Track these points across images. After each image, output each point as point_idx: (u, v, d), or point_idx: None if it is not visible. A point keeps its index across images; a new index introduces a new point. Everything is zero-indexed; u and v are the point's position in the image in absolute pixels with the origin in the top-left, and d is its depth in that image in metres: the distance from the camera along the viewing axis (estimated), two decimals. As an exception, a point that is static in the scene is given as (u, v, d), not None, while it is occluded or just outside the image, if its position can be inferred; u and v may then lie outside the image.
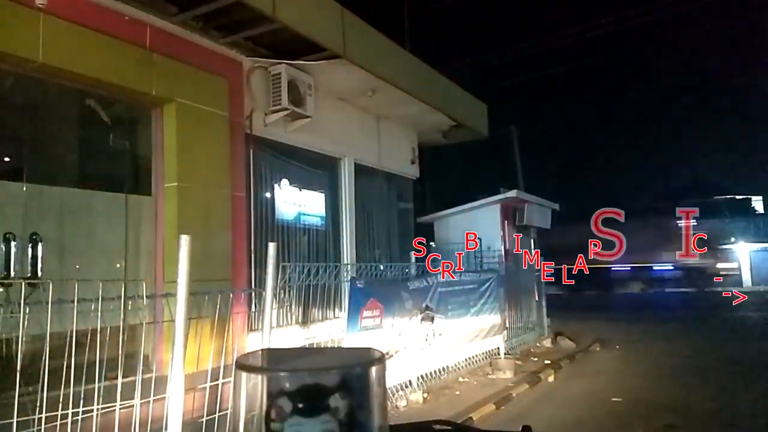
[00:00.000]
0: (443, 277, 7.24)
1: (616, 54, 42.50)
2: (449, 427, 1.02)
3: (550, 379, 7.86)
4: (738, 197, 35.37)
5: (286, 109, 6.43)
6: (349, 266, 7.35)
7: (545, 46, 27.73)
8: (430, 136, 10.39)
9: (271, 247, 3.96)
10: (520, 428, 1.07)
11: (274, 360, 0.78)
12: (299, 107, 6.55)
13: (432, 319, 6.90)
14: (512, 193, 11.40)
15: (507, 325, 9.14)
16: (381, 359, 0.70)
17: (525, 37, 45.01)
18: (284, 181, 7.13)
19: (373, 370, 0.68)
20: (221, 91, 5.75)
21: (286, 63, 6.38)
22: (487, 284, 8.36)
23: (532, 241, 11.97)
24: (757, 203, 36.26)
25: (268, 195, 6.88)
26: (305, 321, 6.58)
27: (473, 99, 10.24)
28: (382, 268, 7.81)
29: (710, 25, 37.44)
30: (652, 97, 59.62)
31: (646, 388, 7.31)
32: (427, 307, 6.84)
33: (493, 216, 11.14)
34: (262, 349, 0.80)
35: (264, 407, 0.65)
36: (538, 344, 10.49)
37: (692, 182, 40.47)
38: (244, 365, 0.68)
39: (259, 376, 0.66)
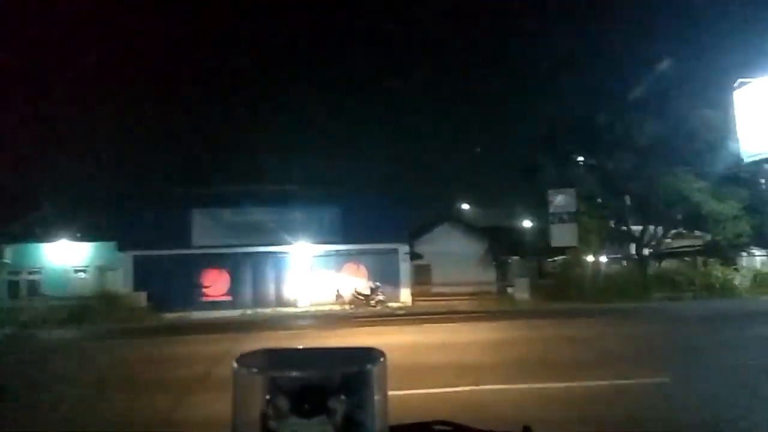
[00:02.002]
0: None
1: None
2: (449, 428, 0.99)
3: None
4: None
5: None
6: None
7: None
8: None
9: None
10: (522, 428, 1.02)
11: (274, 359, 0.73)
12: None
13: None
14: None
15: None
16: (381, 359, 0.68)
17: None
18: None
19: (374, 370, 0.66)
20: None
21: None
22: None
23: None
24: None
25: None
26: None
27: None
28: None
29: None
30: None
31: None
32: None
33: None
34: (262, 349, 0.75)
35: (262, 407, 0.63)
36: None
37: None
38: (243, 364, 0.66)
39: (258, 376, 0.65)
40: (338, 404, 0.62)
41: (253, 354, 0.72)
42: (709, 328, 12.69)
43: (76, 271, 24.73)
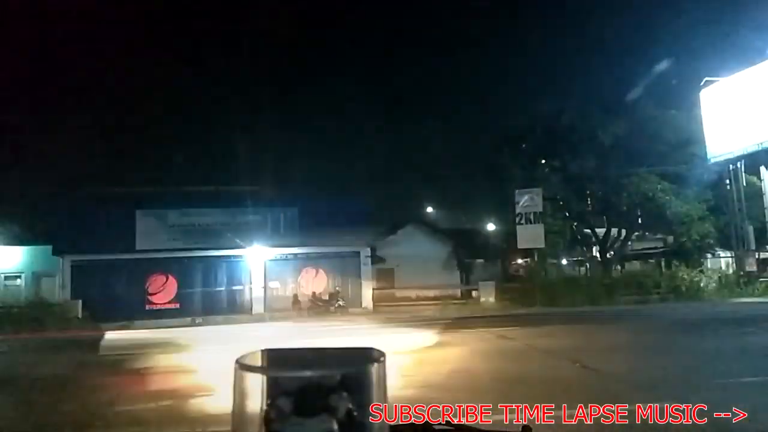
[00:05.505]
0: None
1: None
2: (450, 428, 1.01)
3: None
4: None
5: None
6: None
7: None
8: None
9: None
10: (521, 428, 1.05)
11: (274, 360, 0.74)
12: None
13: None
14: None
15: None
16: (381, 359, 0.69)
17: None
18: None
19: (373, 369, 0.67)
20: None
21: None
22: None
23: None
24: None
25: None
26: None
27: None
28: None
29: None
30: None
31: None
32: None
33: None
34: (263, 349, 0.75)
35: (264, 407, 0.64)
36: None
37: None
38: (244, 365, 0.67)
39: (260, 376, 0.65)
40: (340, 401, 0.63)
41: (254, 354, 0.71)
42: (695, 337, 11.97)
43: (8, 278, 22.70)
